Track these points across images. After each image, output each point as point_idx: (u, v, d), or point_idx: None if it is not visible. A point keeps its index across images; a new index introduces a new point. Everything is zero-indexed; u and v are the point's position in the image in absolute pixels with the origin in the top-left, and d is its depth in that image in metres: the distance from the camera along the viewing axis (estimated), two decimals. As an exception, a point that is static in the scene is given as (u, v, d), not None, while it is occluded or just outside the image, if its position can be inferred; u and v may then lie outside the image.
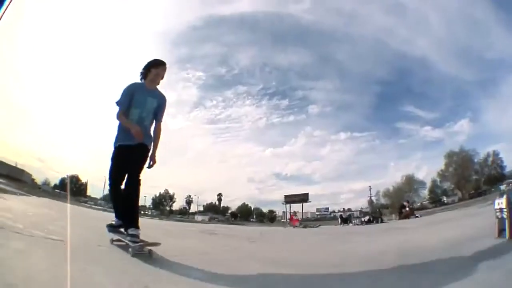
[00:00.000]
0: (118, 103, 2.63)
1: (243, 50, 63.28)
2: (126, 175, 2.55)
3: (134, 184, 2.54)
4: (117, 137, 2.64)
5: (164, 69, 2.76)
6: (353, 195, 40.23)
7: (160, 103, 2.77)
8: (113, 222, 2.66)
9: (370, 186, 38.00)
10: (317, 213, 38.81)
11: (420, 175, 39.93)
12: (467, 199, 30.23)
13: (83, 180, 33.98)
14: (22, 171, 25.37)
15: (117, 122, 2.65)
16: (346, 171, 64.15)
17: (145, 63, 2.74)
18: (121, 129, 2.61)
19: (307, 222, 26.14)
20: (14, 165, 24.79)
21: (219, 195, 40.24)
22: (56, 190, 27.40)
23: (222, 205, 40.98)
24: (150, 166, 2.70)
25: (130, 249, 2.21)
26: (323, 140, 61.89)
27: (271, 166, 54.87)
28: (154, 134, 2.79)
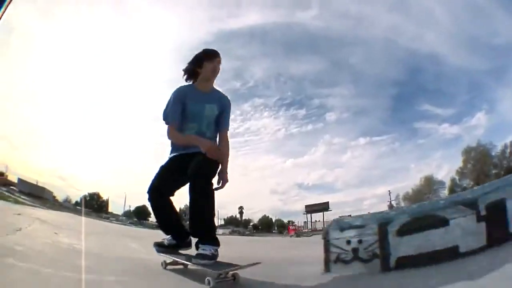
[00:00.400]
0: (166, 119, 2.03)
1: (256, 63, 64.30)
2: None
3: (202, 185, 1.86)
4: (172, 149, 2.07)
5: (220, 62, 2.06)
6: (376, 200, 39.48)
7: (223, 107, 2.09)
8: (164, 241, 2.13)
9: (389, 191, 37.12)
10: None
11: (441, 175, 39.50)
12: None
13: (104, 197, 34.37)
14: (44, 189, 25.55)
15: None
16: (368, 177, 63.37)
17: (193, 58, 2.07)
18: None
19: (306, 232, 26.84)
20: (35, 183, 25.03)
21: (241, 208, 39.48)
22: (78, 207, 27.57)
23: (244, 217, 40.42)
24: (220, 187, 2.00)
25: (207, 279, 1.53)
26: (343, 147, 61.61)
27: (293, 176, 53.93)
28: (220, 145, 2.09)
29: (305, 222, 35.41)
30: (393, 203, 35.97)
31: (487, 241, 1.63)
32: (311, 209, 34.67)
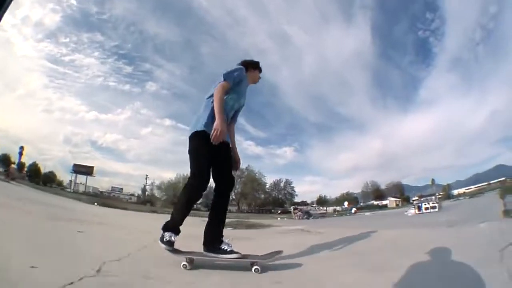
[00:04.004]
0: (228, 77, 2.18)
1: (123, 1, 60.13)
2: (218, 173, 2.18)
3: (232, 182, 2.28)
4: (207, 119, 2.10)
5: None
6: (157, 182, 40.54)
7: (244, 105, 2.47)
8: (172, 238, 2.02)
9: (147, 175, 39.39)
10: (109, 190, 37.68)
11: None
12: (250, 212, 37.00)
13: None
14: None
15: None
16: (159, 157, 63.32)
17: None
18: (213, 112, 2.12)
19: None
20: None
21: (21, 148, 31.01)
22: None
23: (23, 160, 31.01)
24: (236, 168, 2.42)
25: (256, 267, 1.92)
26: (148, 120, 60.99)
27: (90, 131, 51.30)
28: (229, 134, 2.40)
29: (70, 181, 34.36)
30: (148, 187, 38.92)
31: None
32: (78, 169, 34.21)
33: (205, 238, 2.09)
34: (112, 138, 53.15)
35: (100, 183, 39.66)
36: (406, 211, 12.76)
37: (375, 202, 39.87)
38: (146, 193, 39.41)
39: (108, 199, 27.97)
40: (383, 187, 47.53)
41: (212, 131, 1.94)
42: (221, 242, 2.07)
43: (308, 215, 21.98)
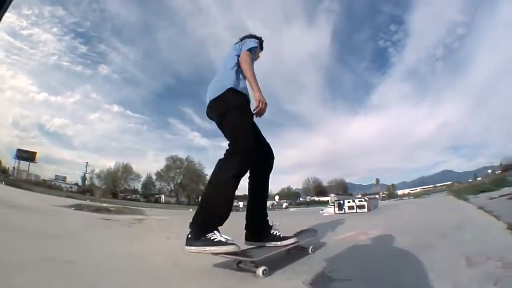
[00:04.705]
0: (254, 48, 1.98)
1: None
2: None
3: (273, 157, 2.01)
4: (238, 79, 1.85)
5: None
6: (97, 170, 39.46)
7: None
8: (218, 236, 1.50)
9: (87, 162, 38.52)
10: (52, 179, 36.96)
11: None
12: (183, 203, 36.33)
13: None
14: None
15: None
16: (104, 145, 61.66)
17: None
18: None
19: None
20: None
21: None
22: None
23: None
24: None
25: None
26: (96, 105, 59.13)
27: (39, 114, 50.67)
28: None
29: (14, 168, 32.83)
30: (87, 175, 37.90)
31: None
32: (21, 155, 32.71)
33: (253, 229, 1.88)
34: (60, 122, 50.84)
35: (46, 171, 37.52)
36: (322, 210, 9.22)
37: (316, 198, 38.69)
38: (86, 182, 37.39)
39: (49, 188, 26.50)
40: (325, 184, 47.21)
41: (257, 103, 1.74)
42: (271, 227, 1.90)
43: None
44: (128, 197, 37.56)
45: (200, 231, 1.48)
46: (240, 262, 1.60)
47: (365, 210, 7.61)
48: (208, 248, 1.41)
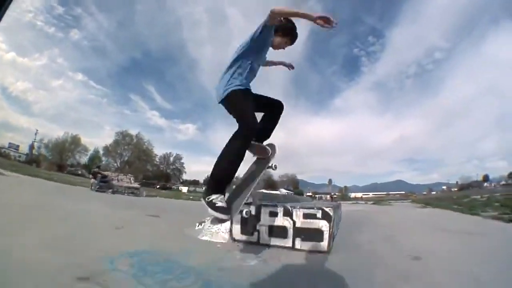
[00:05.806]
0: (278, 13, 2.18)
1: None
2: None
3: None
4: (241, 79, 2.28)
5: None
6: (46, 140, 38.42)
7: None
8: (220, 203, 2.03)
9: (37, 130, 37.49)
10: (5, 146, 36.29)
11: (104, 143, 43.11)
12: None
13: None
14: None
15: None
16: (62, 115, 61.74)
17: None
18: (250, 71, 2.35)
19: None
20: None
21: None
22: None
23: None
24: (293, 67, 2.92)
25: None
26: (62, 71, 57.43)
27: (4, 75, 49.23)
28: None
29: None
30: (35, 144, 37.32)
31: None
32: None
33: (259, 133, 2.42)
34: (23, 87, 51.28)
35: (3, 138, 36.30)
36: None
37: (265, 191, 39.80)
38: (34, 151, 35.10)
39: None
40: (277, 178, 48.59)
41: (320, 22, 1.92)
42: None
43: (106, 186, 13.08)
44: (78, 172, 34.64)
45: (213, 187, 2.04)
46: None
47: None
48: (209, 210, 1.98)
